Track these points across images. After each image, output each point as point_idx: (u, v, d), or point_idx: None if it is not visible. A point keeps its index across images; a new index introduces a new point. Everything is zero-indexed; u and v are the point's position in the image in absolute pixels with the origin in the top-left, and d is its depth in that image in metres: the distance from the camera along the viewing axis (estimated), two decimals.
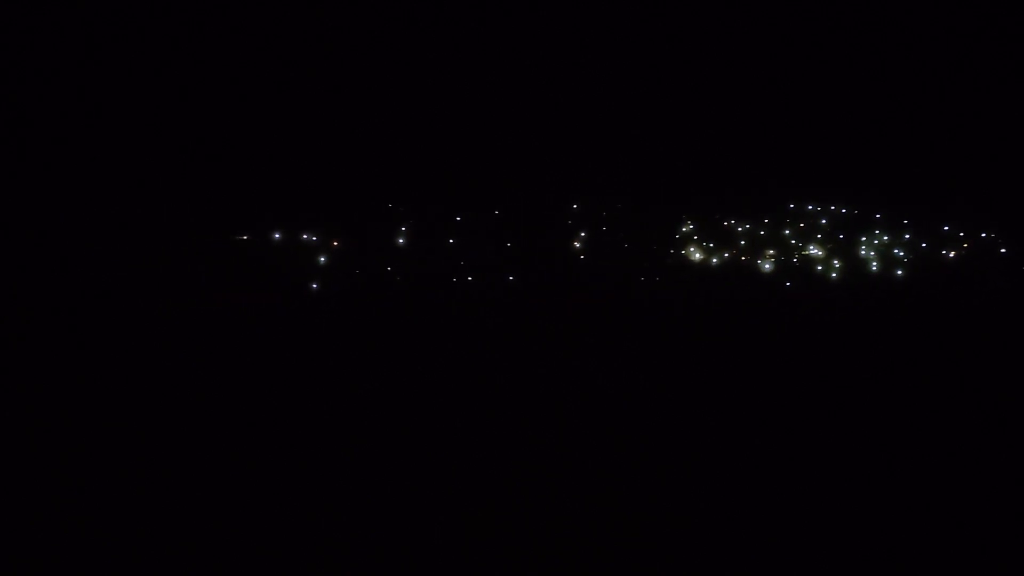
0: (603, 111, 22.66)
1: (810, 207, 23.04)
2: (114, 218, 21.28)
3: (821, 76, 22.38)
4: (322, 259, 22.26)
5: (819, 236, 22.74)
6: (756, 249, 22.57)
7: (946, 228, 22.51)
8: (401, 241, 22.52)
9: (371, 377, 20.58)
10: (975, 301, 21.87)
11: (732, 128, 22.50)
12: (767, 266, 22.40)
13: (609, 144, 22.64)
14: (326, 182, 22.47)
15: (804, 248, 22.63)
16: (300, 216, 22.29)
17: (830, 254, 22.53)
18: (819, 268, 22.44)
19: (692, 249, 22.55)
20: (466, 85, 22.53)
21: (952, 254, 22.39)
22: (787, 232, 22.84)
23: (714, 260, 22.52)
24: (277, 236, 22.22)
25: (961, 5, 21.71)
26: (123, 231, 21.29)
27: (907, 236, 22.52)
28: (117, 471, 17.99)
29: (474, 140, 22.62)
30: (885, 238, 22.54)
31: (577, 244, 22.61)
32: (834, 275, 22.30)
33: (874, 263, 22.34)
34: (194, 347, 20.53)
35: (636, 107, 22.67)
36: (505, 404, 19.96)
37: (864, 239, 22.58)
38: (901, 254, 22.42)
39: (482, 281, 22.36)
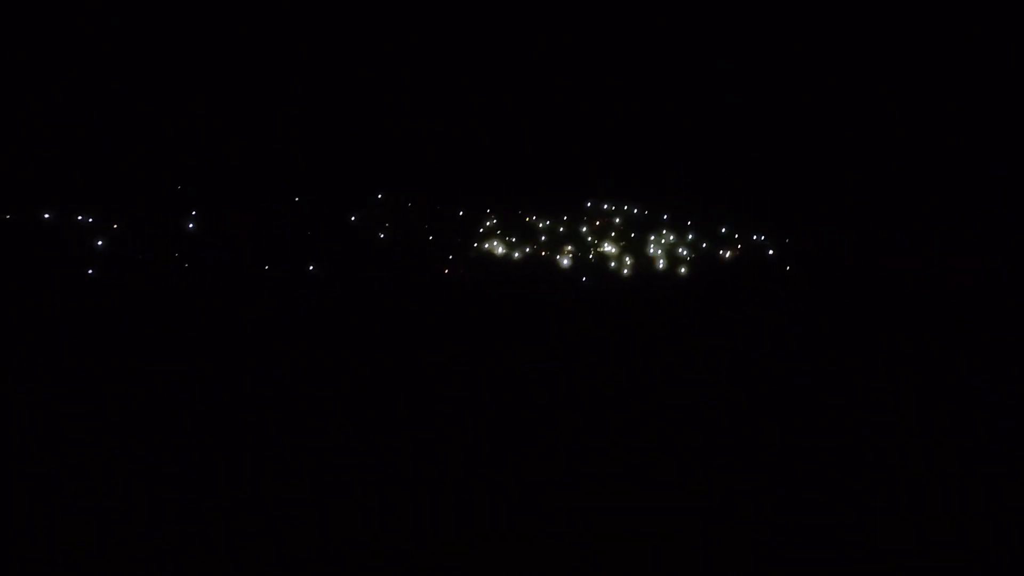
0: (409, 105, 22.57)
1: (605, 206, 24.07)
2: None
3: (619, 83, 23.44)
4: (100, 243, 20.54)
5: (613, 234, 23.76)
6: (556, 244, 23.26)
7: (723, 230, 24.20)
8: (191, 226, 21.19)
9: (154, 369, 19.07)
10: (747, 299, 23.59)
11: (536, 128, 23.11)
12: (565, 261, 23.10)
13: (415, 137, 22.56)
14: (106, 158, 20.81)
15: (599, 245, 23.56)
16: (75, 195, 20.52)
17: (623, 251, 23.58)
18: (612, 264, 23.41)
19: (495, 243, 22.85)
20: (267, 62, 21.67)
21: (728, 254, 24.09)
22: (584, 229, 23.72)
23: (516, 254, 22.93)
24: (47, 216, 20.31)
25: (745, 13, 23.38)
26: None
27: (690, 236, 24.01)
28: None
29: (273, 124, 21.80)
30: (671, 238, 23.90)
31: (381, 235, 22.28)
32: (626, 271, 23.33)
33: (661, 261, 23.60)
34: None
35: (442, 102, 22.75)
36: (298, 401, 19.05)
37: (653, 238, 23.83)
38: (684, 253, 23.85)
39: (279, 271, 21.50)
